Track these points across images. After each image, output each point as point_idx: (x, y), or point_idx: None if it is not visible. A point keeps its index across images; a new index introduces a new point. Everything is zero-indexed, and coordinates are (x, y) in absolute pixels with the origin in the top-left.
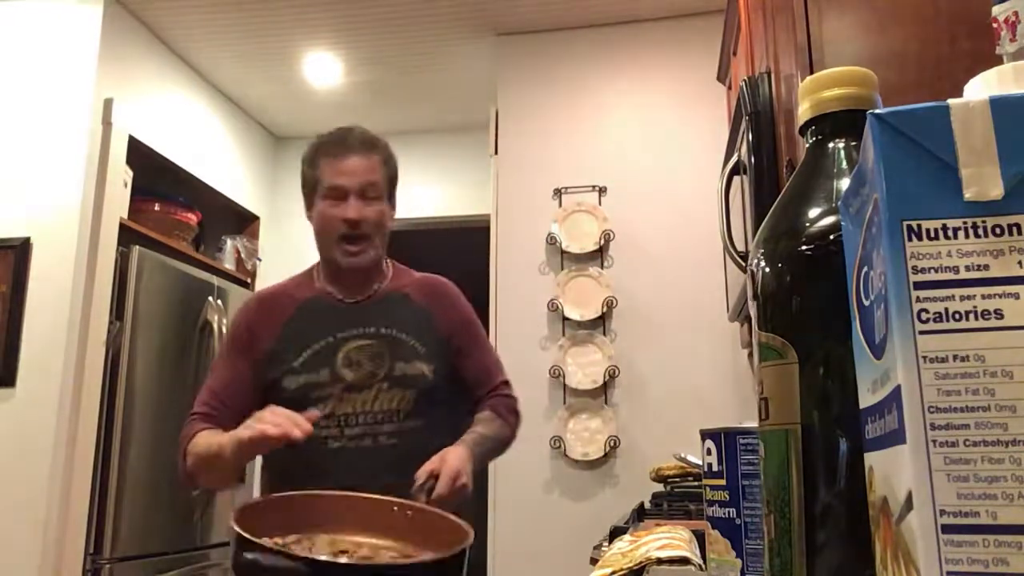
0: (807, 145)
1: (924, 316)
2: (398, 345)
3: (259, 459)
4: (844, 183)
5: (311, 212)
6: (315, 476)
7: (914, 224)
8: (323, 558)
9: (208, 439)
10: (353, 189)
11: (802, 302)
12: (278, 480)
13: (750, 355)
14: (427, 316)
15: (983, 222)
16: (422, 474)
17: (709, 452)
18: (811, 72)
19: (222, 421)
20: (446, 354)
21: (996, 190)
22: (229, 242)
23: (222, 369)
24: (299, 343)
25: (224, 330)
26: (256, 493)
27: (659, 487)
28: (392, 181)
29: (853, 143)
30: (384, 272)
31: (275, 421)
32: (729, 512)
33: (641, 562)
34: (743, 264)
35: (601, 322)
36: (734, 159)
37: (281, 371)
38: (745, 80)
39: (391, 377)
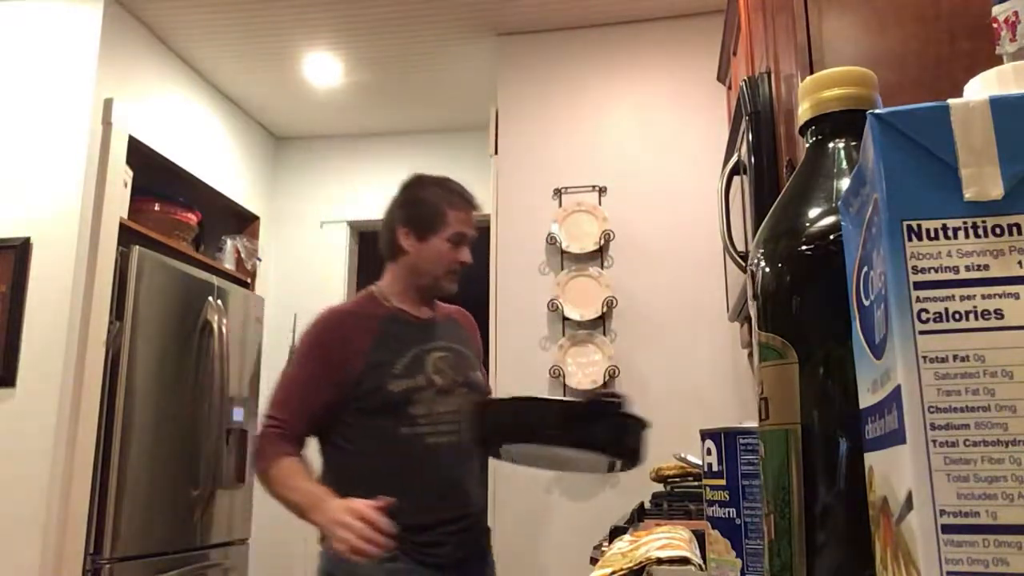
0: (807, 145)
1: (924, 316)
2: (464, 357)
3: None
4: (844, 183)
5: (418, 242)
6: (411, 469)
7: (914, 224)
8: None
9: (290, 484)
10: (469, 238)
11: (802, 302)
12: (368, 474)
13: (750, 355)
14: (468, 337)
15: (983, 222)
16: None
17: (709, 452)
18: (811, 72)
19: (298, 430)
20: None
21: (996, 190)
22: (229, 242)
23: (309, 379)
24: (394, 352)
25: (224, 330)
26: (256, 492)
27: (659, 487)
28: None
29: (853, 143)
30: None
31: (350, 543)
32: (729, 512)
33: (641, 562)
34: (743, 264)
35: (601, 322)
36: (734, 159)
37: (385, 377)
38: (745, 80)
39: (468, 383)
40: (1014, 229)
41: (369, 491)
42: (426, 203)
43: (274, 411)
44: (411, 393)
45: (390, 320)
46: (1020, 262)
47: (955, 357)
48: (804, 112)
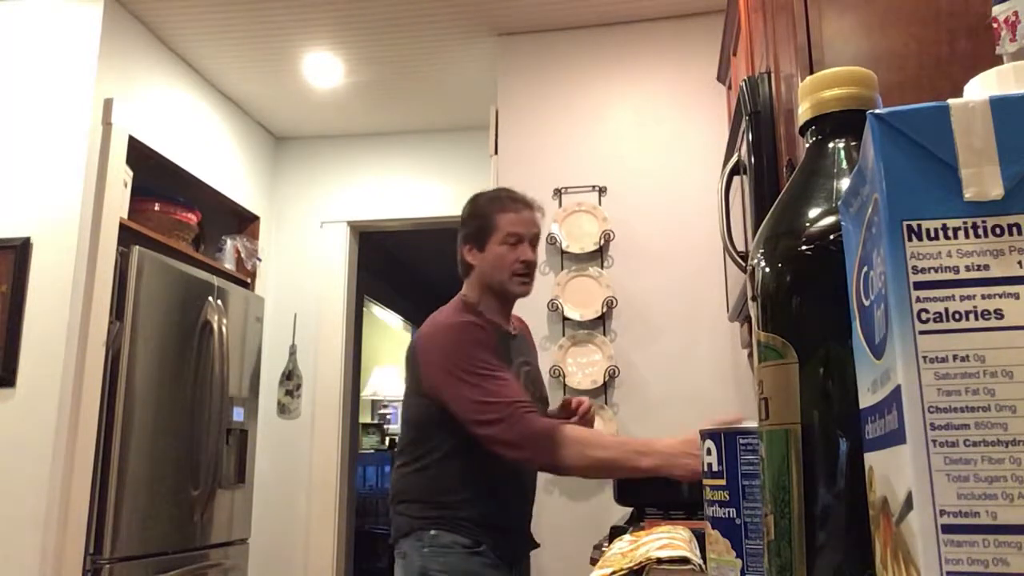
0: (807, 145)
1: (924, 316)
2: (538, 372)
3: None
4: (844, 183)
5: (479, 252)
6: (504, 475)
7: (914, 224)
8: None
9: (604, 441)
10: (527, 237)
11: (802, 302)
12: (467, 477)
13: (750, 355)
14: (533, 348)
15: (983, 222)
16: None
17: (709, 452)
18: (811, 72)
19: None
20: None
21: (996, 190)
22: (229, 242)
23: (505, 373)
24: (503, 361)
25: (224, 330)
26: (256, 492)
27: None
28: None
29: (853, 143)
30: None
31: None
32: (729, 512)
33: (641, 562)
34: (743, 264)
35: (601, 322)
36: (734, 159)
37: None
38: (745, 80)
39: (541, 397)
40: (1014, 229)
41: (465, 493)
42: (478, 215)
43: (505, 403)
44: None
45: (497, 332)
46: (1020, 262)
47: (955, 357)
48: (804, 112)
